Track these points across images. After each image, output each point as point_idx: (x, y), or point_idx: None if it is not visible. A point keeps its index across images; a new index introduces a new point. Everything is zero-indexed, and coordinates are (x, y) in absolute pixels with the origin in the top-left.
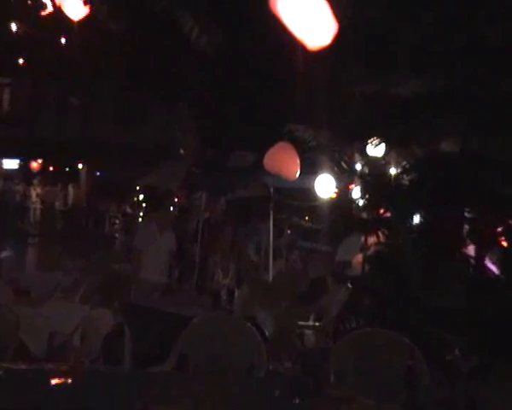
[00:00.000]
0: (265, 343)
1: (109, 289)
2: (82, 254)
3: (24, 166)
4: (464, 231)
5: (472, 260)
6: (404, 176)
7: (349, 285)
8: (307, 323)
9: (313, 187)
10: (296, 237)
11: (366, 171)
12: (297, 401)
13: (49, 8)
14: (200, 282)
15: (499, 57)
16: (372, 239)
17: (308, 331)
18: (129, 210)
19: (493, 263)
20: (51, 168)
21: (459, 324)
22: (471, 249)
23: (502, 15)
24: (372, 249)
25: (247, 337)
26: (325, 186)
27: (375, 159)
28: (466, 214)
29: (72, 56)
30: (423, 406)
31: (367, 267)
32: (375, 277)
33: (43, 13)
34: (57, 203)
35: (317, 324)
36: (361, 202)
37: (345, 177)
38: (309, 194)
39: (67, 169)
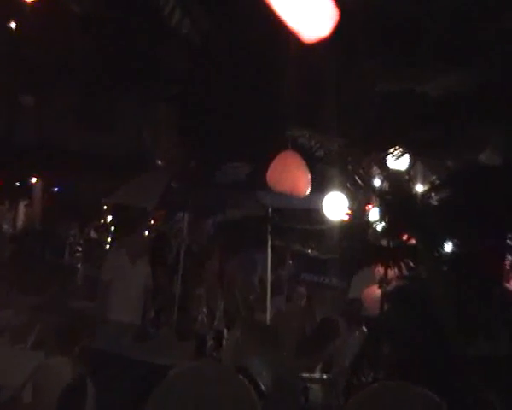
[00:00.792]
0: (261, 400)
1: (69, 333)
2: (35, 288)
3: None
4: (507, 261)
5: None
6: (434, 194)
7: (364, 328)
8: (313, 375)
9: (321, 207)
10: (299, 268)
11: (386, 188)
12: None
13: None
14: (180, 323)
15: None
16: (393, 272)
17: (314, 385)
18: (94, 234)
19: None
20: None
21: (500, 376)
22: None
23: None
24: (393, 284)
25: (238, 393)
26: (335, 206)
27: (397, 173)
28: (509, 241)
29: (25, 45)
30: None
31: (386, 306)
32: (397, 318)
33: None
34: (5, 226)
35: (324, 376)
36: (380, 227)
37: (360, 195)
38: (315, 216)
39: (17, 183)
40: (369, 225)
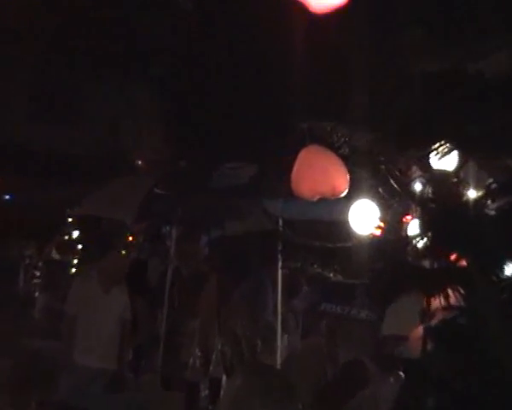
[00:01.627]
0: None
1: (23, 382)
2: None
3: None
4: None
5: None
6: (490, 201)
7: (402, 374)
8: None
9: (345, 219)
10: (318, 296)
11: (429, 193)
12: None
13: None
14: (167, 368)
15: None
16: (438, 301)
17: None
18: (56, 255)
19: None
20: None
21: None
22: None
23: None
24: (439, 317)
25: None
26: (364, 218)
27: (443, 175)
28: None
29: None
30: None
31: (430, 346)
32: (444, 361)
33: None
34: None
35: None
36: (421, 243)
37: (395, 203)
38: (338, 230)
39: None
40: (408, 241)
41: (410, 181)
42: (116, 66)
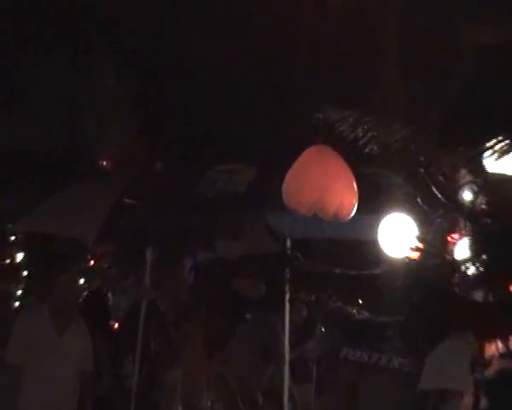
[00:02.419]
0: None
1: None
2: None
3: None
4: None
5: None
6: None
7: None
8: None
9: (373, 238)
10: (338, 339)
11: (483, 205)
12: None
13: None
14: None
15: None
16: (494, 346)
17: None
18: None
19: None
20: None
21: None
22: None
23: None
24: (495, 367)
25: None
26: (397, 237)
27: (501, 180)
28: None
29: None
30: None
31: (485, 403)
32: None
33: None
34: None
35: None
36: (472, 270)
37: (438, 217)
38: (364, 252)
39: None
40: (455, 266)
41: (458, 188)
42: (71, 37)
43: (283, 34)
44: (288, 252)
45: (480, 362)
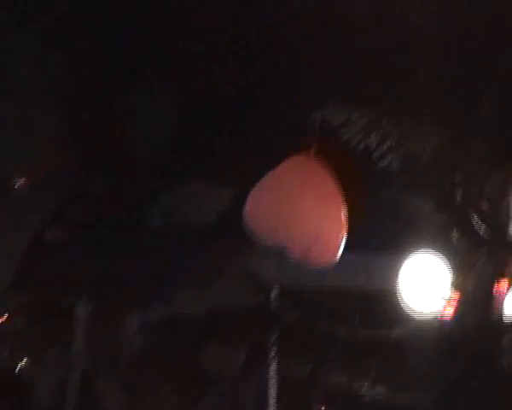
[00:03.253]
0: None
1: None
2: None
3: None
4: None
5: None
6: None
7: None
8: None
9: (390, 288)
10: None
11: None
12: None
13: None
14: None
15: None
16: None
17: None
18: None
19: None
20: None
21: None
22: None
23: None
24: None
25: None
26: (424, 285)
27: None
28: None
29: None
30: None
31: None
32: None
33: None
34: None
35: None
36: None
37: (481, 258)
38: (378, 307)
39: None
40: (504, 328)
41: (509, 219)
42: None
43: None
44: (275, 305)
45: None
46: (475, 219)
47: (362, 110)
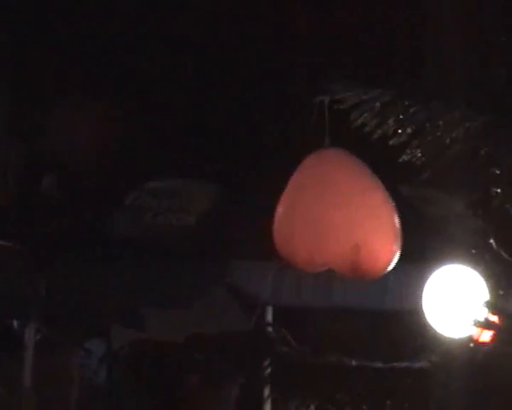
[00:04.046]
0: None
1: None
2: None
3: None
4: None
5: None
6: None
7: None
8: None
9: (413, 307)
10: None
11: None
12: None
13: None
14: None
15: None
16: None
17: None
18: None
19: None
20: None
21: None
22: None
23: None
24: None
25: None
26: (455, 306)
27: None
28: None
29: None
30: None
31: None
32: None
33: None
34: None
35: None
36: None
37: None
38: (396, 331)
39: None
40: None
41: None
42: None
43: None
44: (270, 331)
45: None
46: None
47: (378, 91)
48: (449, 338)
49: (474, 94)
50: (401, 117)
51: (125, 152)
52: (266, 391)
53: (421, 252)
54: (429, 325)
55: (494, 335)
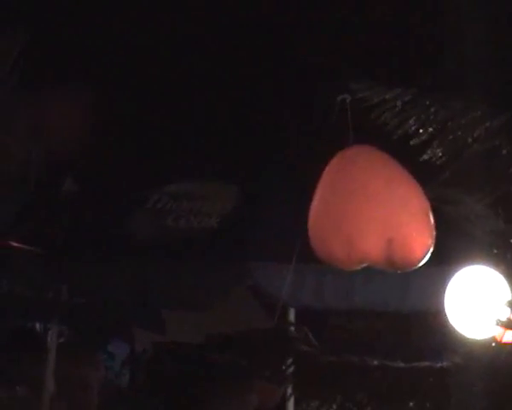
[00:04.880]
0: None
1: None
2: None
3: None
4: None
5: None
6: None
7: None
8: None
9: (434, 308)
10: None
11: None
12: None
13: None
14: None
15: None
16: None
17: None
18: None
19: None
20: None
21: None
22: None
23: None
24: None
25: None
26: (476, 304)
27: None
28: None
29: None
30: None
31: None
32: None
33: None
34: None
35: None
36: None
37: None
38: (417, 332)
39: None
40: None
41: None
42: None
43: None
44: (292, 331)
45: None
46: None
47: (400, 89)
48: (471, 339)
49: (495, 93)
50: (422, 116)
51: (145, 155)
52: (288, 391)
53: (442, 253)
54: (451, 326)
55: None
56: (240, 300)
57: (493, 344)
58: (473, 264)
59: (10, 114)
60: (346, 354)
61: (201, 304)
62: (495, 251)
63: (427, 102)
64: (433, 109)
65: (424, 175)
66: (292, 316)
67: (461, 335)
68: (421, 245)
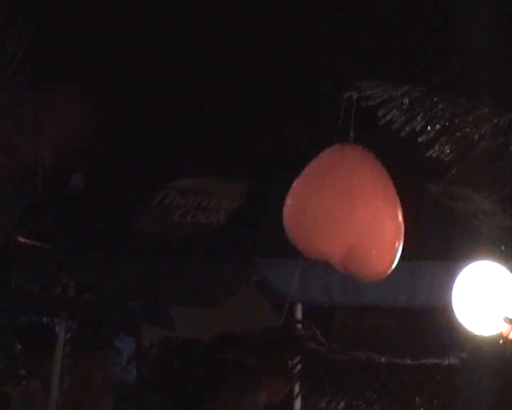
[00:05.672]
0: None
1: None
2: None
3: None
4: None
5: None
6: None
7: None
8: None
9: (442, 304)
10: None
11: None
12: None
13: None
14: None
15: None
16: None
17: None
18: None
19: None
20: None
21: None
22: None
23: None
24: None
25: None
26: (483, 300)
27: None
28: None
29: None
30: None
31: None
32: None
33: None
34: None
35: None
36: None
37: None
38: (425, 328)
39: None
40: None
41: None
42: None
43: None
44: (300, 328)
45: None
46: None
47: (407, 87)
48: (478, 335)
49: (502, 90)
50: (429, 113)
51: (153, 150)
52: (296, 388)
53: (449, 249)
54: (459, 322)
55: None
56: (248, 296)
57: (500, 340)
58: (480, 260)
59: (19, 115)
60: (353, 351)
61: (209, 301)
62: (502, 247)
63: (435, 100)
64: (440, 107)
65: (431, 172)
66: (299, 313)
67: (468, 331)
68: (377, 264)
